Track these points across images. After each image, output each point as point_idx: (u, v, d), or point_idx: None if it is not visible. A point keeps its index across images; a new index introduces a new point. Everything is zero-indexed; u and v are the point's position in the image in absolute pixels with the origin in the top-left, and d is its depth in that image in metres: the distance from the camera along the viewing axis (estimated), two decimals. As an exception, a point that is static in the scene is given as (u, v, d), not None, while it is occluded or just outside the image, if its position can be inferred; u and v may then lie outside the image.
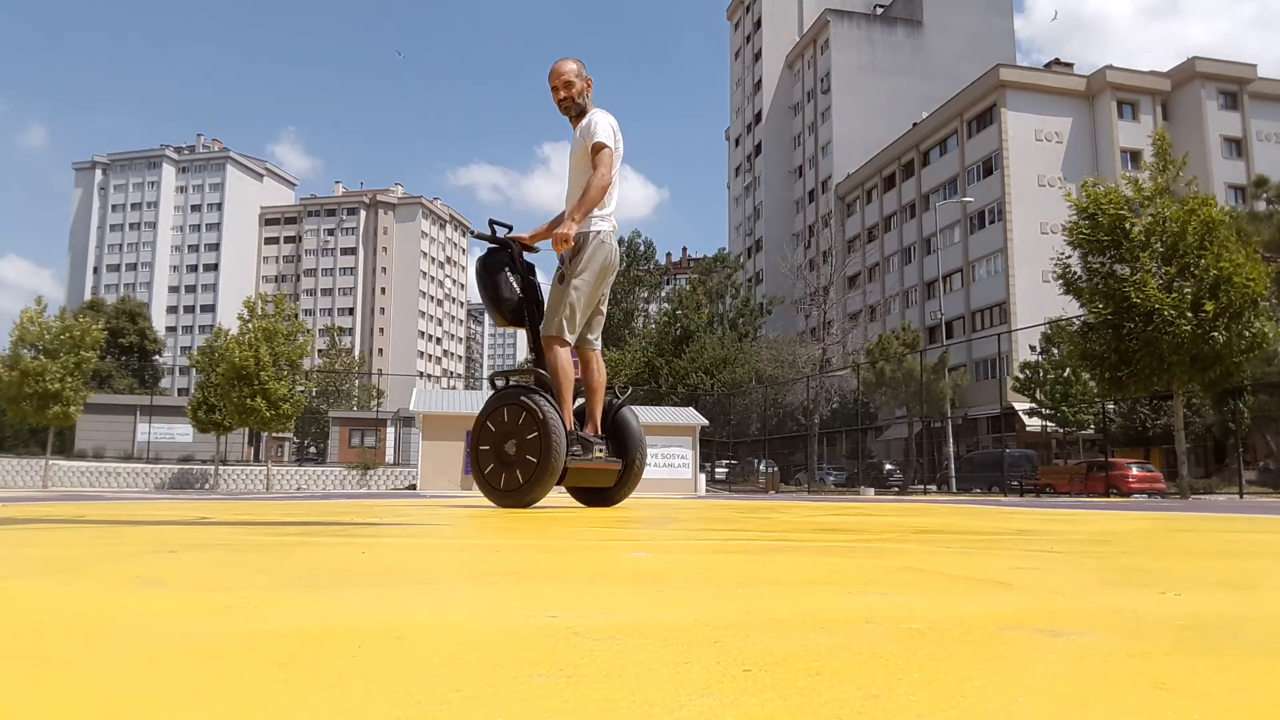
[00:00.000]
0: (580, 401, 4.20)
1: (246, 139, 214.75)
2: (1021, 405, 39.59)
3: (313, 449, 51.99)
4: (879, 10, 75.12)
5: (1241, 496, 21.42)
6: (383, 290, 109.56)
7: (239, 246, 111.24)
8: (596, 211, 3.99)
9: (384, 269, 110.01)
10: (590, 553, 1.78)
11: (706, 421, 28.99)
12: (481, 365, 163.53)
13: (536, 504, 3.94)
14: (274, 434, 30.54)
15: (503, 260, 4.20)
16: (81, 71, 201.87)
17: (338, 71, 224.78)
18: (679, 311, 49.33)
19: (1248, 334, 17.92)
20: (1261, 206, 35.41)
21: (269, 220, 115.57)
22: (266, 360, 25.99)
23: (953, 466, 32.21)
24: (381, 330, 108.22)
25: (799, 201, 74.64)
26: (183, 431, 36.66)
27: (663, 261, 61.56)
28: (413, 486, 27.50)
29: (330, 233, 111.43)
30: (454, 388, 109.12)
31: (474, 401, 31.10)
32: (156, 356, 73.11)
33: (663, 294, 59.12)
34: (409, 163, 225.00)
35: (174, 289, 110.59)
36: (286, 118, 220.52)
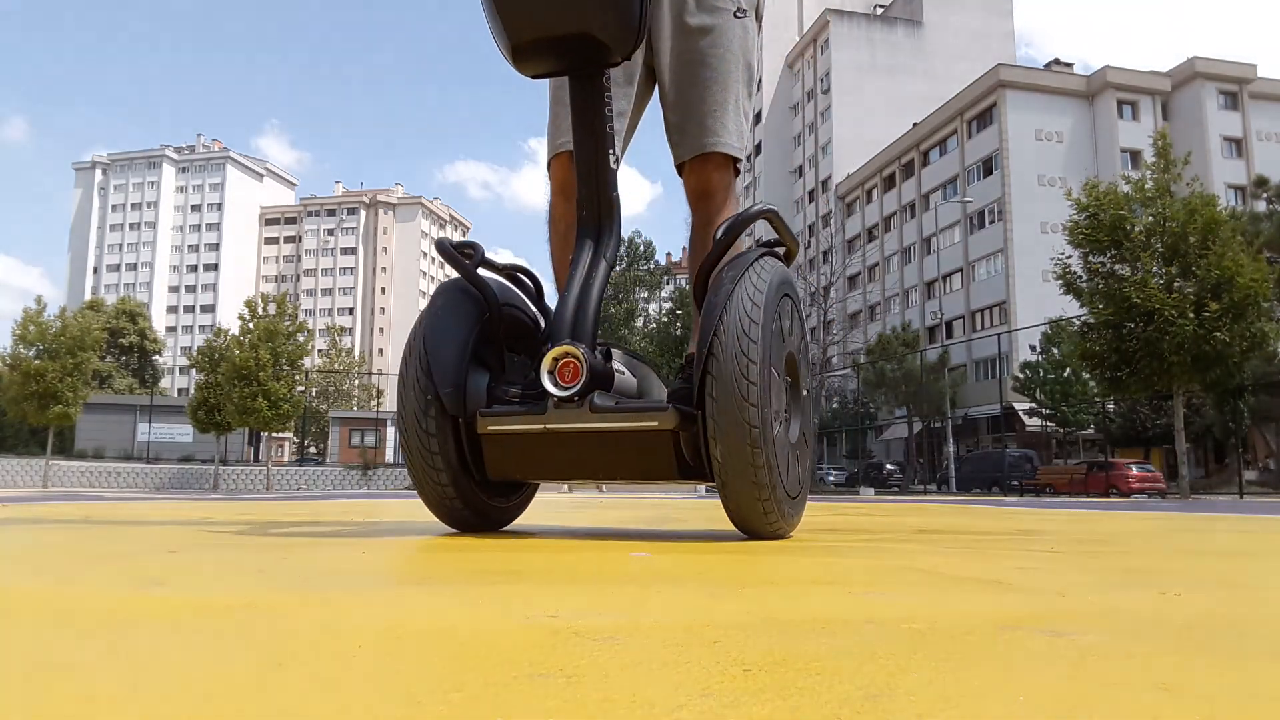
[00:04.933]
0: None
1: (231, 132, 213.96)
2: (1021, 405, 39.60)
3: (313, 449, 52.01)
4: (879, 10, 75.12)
5: (1241, 496, 21.42)
6: (383, 290, 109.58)
7: (239, 246, 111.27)
8: None
9: (384, 269, 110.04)
10: (590, 552, 1.78)
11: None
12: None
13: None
14: (274, 434, 30.54)
15: None
16: (77, 70, 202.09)
17: (321, 64, 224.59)
18: (679, 311, 49.35)
19: (1249, 334, 17.93)
20: (1262, 206, 35.41)
21: (269, 220, 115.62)
22: (267, 360, 26.00)
23: (953, 466, 32.20)
24: (381, 330, 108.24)
25: (799, 201, 74.65)
26: (183, 431, 36.68)
27: (662, 261, 61.53)
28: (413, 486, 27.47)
29: (330, 233, 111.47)
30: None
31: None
32: (156, 356, 73.13)
33: (663, 294, 59.11)
34: (398, 159, 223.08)
35: (174, 289, 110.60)
36: (270, 110, 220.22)
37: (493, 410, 2.05)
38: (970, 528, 3.24)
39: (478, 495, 2.21)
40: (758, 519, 2.01)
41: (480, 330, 2.15)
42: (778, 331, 2.03)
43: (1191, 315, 17.80)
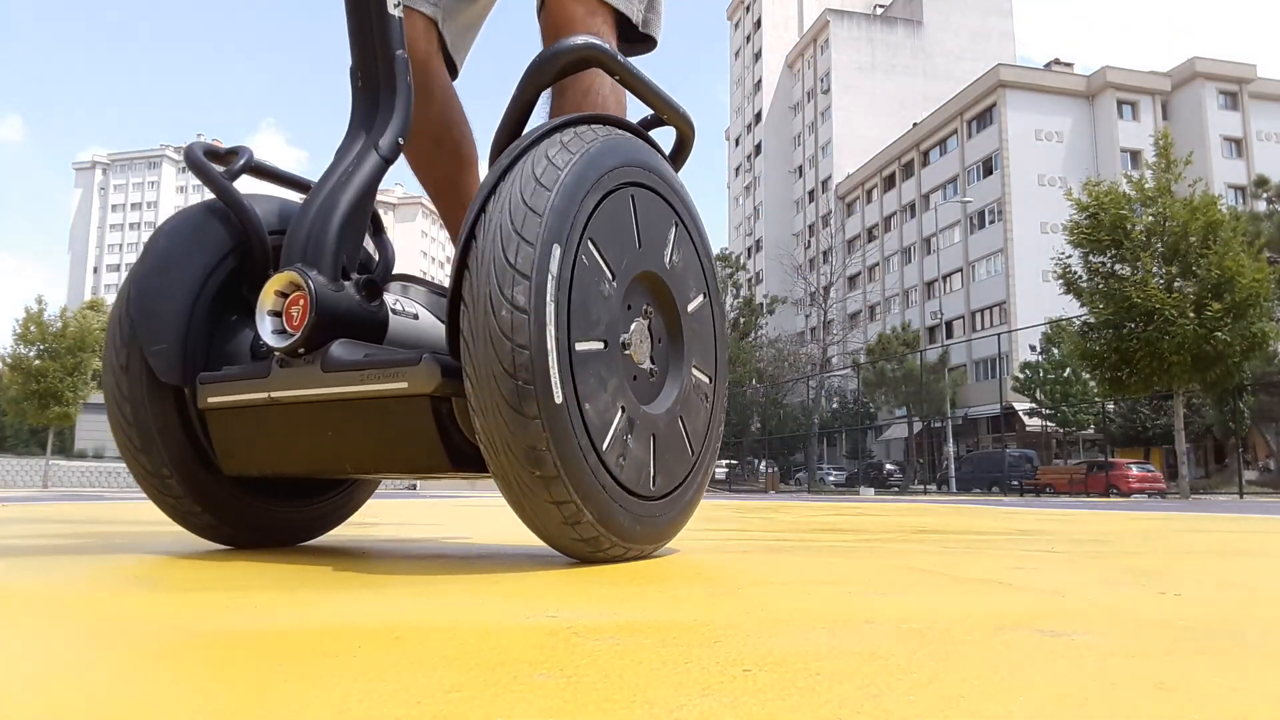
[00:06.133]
0: None
1: (228, 131, 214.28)
2: (1021, 405, 39.62)
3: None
4: (879, 10, 75.14)
5: (1241, 496, 21.42)
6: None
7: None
8: None
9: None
10: (590, 553, 1.78)
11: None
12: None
13: None
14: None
15: None
16: (73, 69, 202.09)
17: (316, 62, 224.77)
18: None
19: (1249, 334, 17.95)
20: (1262, 206, 35.44)
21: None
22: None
23: (953, 466, 32.20)
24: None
25: (799, 201, 74.66)
26: (183, 431, 36.56)
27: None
28: (413, 486, 27.52)
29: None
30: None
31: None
32: (156, 356, 73.01)
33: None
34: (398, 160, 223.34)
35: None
36: (266, 109, 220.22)
37: (215, 376, 1.47)
38: (970, 528, 3.24)
39: (233, 497, 1.62)
40: (556, 530, 1.33)
41: (239, 266, 1.58)
42: (605, 237, 1.35)
43: (1192, 315, 17.81)
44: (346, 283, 1.43)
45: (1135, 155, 48.02)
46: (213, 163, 1.61)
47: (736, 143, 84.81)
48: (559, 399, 1.23)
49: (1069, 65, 58.54)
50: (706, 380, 1.64)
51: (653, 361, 1.49)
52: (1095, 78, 52.90)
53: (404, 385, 1.31)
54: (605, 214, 1.35)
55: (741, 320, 51.38)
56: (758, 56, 78.66)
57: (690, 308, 1.58)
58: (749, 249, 76.98)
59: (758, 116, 78.38)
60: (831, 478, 39.17)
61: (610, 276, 1.36)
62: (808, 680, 0.64)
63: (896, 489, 33.71)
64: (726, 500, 11.12)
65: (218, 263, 1.55)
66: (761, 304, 53.92)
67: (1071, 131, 52.34)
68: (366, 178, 1.50)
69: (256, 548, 1.72)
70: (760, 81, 78.12)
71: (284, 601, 1.05)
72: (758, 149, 77.89)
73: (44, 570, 1.46)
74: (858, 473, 35.58)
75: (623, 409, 1.37)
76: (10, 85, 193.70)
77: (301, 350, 1.36)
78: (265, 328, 1.38)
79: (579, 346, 1.28)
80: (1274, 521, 4.29)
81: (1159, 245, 19.12)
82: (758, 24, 78.65)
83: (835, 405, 46.65)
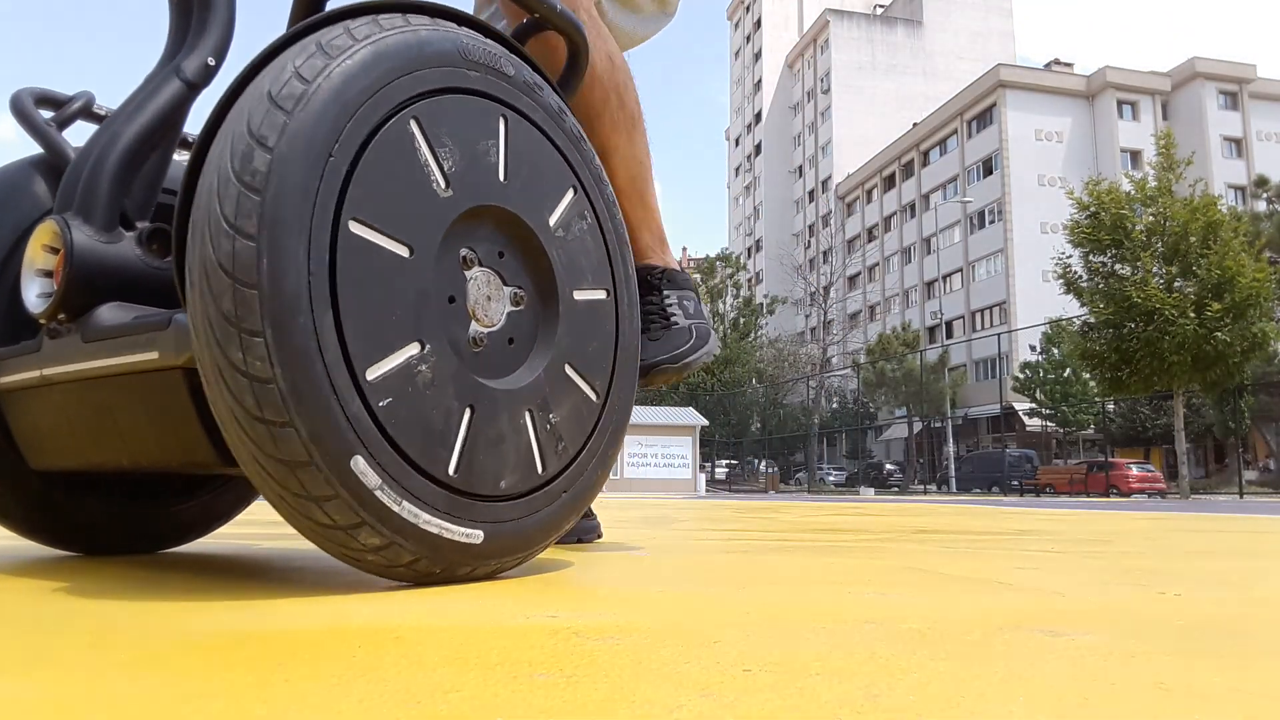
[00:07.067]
0: None
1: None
2: (1021, 405, 39.64)
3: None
4: (879, 10, 75.16)
5: (1241, 496, 21.42)
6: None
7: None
8: None
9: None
10: (589, 552, 1.78)
11: (706, 421, 29.02)
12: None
13: None
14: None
15: None
16: (69, 68, 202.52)
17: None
18: (679, 311, 49.48)
19: (1249, 334, 17.98)
20: (1262, 206, 35.47)
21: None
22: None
23: (953, 466, 32.22)
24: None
25: (799, 201, 74.69)
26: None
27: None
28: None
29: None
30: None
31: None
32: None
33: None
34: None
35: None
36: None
37: (4, 351, 1.28)
38: (970, 528, 3.24)
39: (58, 495, 1.43)
40: (327, 538, 1.01)
41: None
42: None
43: (1192, 315, 17.83)
44: (128, 233, 1.21)
45: (1135, 155, 48.06)
46: (46, 110, 1.39)
47: (736, 143, 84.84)
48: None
49: (1069, 65, 58.57)
50: (603, 296, 1.25)
51: (516, 304, 1.14)
52: (1095, 78, 52.93)
53: (154, 356, 1.06)
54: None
55: (741, 320, 51.43)
56: (758, 56, 78.69)
57: (554, 219, 1.19)
58: (749, 249, 77.01)
59: (758, 116, 78.40)
60: (831, 478, 39.20)
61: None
62: (808, 680, 0.64)
63: (896, 489, 33.72)
64: (726, 500, 11.13)
65: (34, 223, 1.32)
66: (761, 304, 53.91)
67: (1071, 131, 52.37)
68: (161, 106, 1.25)
69: (107, 554, 1.57)
70: (760, 81, 78.14)
71: (283, 601, 1.05)
72: (758, 149, 77.91)
73: (41, 571, 1.46)
74: (858, 473, 35.61)
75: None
76: (9, 85, 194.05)
77: (62, 316, 1.16)
78: (30, 290, 1.18)
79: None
80: (1274, 521, 4.29)
81: (1159, 245, 19.14)
82: (758, 24, 78.68)
83: (835, 405, 46.70)
